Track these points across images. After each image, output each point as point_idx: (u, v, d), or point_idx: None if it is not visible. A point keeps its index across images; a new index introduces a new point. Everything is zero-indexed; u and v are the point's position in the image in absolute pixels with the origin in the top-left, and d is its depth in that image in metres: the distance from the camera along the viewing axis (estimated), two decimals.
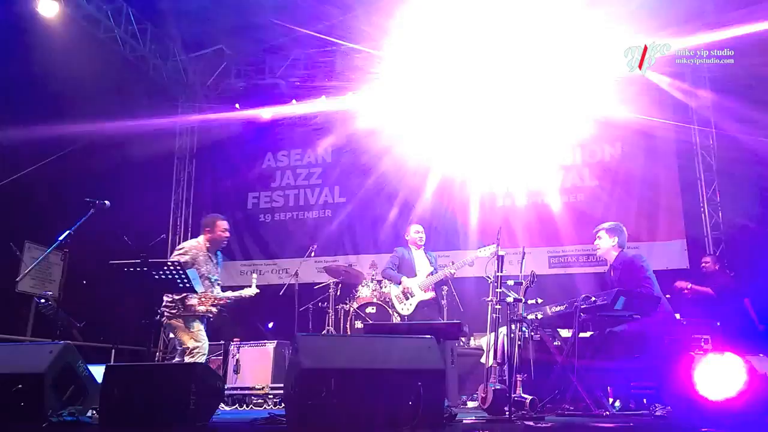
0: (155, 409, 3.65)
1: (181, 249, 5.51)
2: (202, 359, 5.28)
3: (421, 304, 6.72)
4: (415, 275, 6.88)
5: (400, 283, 6.85)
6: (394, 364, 3.71)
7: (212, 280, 5.56)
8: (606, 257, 5.68)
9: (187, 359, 5.25)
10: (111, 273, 4.72)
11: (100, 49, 8.86)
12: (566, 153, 9.95)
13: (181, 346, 5.36)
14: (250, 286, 5.73)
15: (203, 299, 5.39)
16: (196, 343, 5.31)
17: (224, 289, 6.34)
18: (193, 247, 5.52)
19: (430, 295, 6.79)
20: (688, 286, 7.55)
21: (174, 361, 5.42)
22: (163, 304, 5.41)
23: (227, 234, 5.68)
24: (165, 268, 4.69)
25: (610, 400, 5.08)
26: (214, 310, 5.48)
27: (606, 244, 5.58)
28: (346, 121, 10.87)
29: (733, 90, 8.52)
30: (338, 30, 9.52)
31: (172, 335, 5.49)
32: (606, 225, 5.69)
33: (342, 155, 10.94)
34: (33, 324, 8.17)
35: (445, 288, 7.61)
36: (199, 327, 5.40)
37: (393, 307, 7.09)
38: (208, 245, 5.58)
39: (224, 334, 8.05)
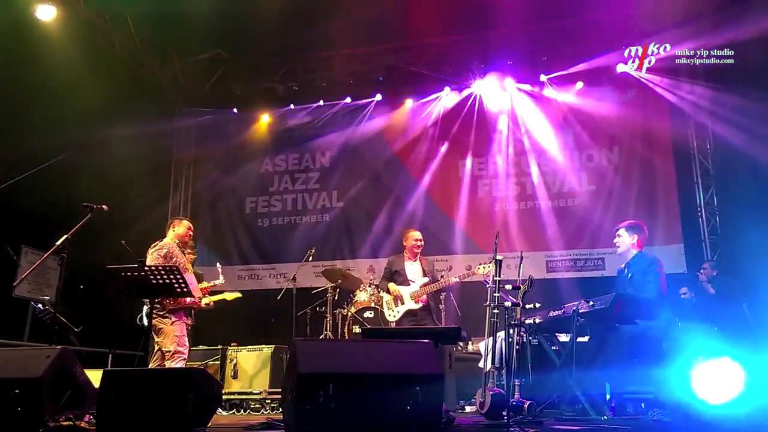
0: (152, 414, 3.63)
1: (154, 246, 5.69)
2: (180, 365, 5.31)
3: (408, 313, 6.64)
4: (409, 285, 6.78)
5: (388, 292, 6.78)
6: (392, 369, 3.70)
7: (190, 272, 5.75)
8: (624, 255, 5.62)
9: (167, 363, 5.28)
10: (108, 278, 4.72)
11: (97, 53, 8.85)
12: (564, 157, 9.97)
13: (161, 349, 5.41)
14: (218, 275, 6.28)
15: None
16: (178, 348, 5.38)
17: (219, 292, 6.49)
18: (167, 243, 5.75)
19: (421, 305, 6.70)
20: (702, 282, 7.68)
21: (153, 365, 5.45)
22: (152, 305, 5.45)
23: (191, 232, 6.10)
24: (163, 272, 4.70)
25: (608, 402, 5.07)
26: (198, 301, 5.68)
27: (626, 242, 5.54)
28: (344, 125, 10.90)
29: (730, 94, 8.55)
30: (336, 33, 9.54)
31: (156, 337, 5.52)
32: (626, 223, 5.69)
33: (340, 160, 10.94)
34: (30, 328, 8.14)
35: (444, 292, 7.57)
36: (183, 332, 5.48)
37: (382, 311, 7.00)
38: (176, 241, 5.87)
39: (222, 338, 8.05)
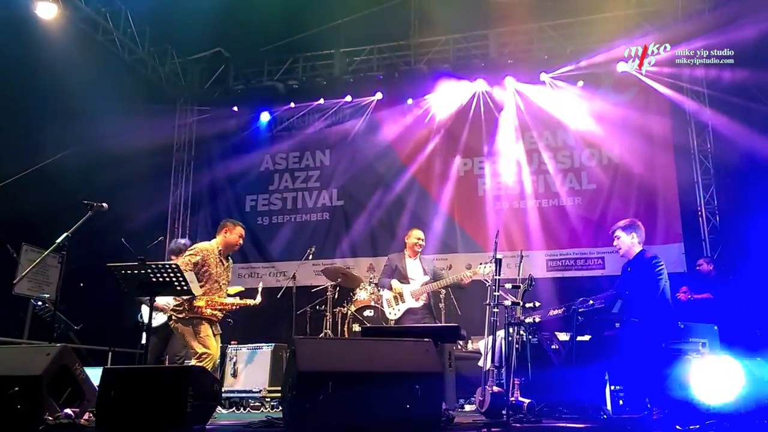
0: (152, 412, 3.64)
1: (192, 250, 5.51)
2: (210, 366, 5.24)
3: (408, 311, 6.62)
4: (408, 283, 6.76)
5: (390, 289, 6.75)
6: (392, 368, 3.71)
7: (220, 284, 5.55)
8: (628, 255, 5.58)
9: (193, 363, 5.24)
10: (108, 275, 4.72)
11: (98, 52, 8.86)
12: (564, 156, 9.97)
13: (190, 351, 5.36)
14: (255, 293, 5.68)
15: (210, 302, 5.39)
16: (204, 349, 5.28)
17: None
18: (204, 248, 5.52)
19: (421, 303, 6.69)
20: (690, 297, 7.54)
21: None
22: (171, 307, 5.41)
23: (242, 240, 5.75)
24: (163, 270, 4.69)
25: (608, 403, 5.07)
26: (219, 314, 5.49)
27: (626, 242, 5.53)
28: (344, 123, 10.90)
29: (730, 93, 8.55)
30: (337, 31, 9.55)
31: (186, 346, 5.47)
32: (621, 223, 5.67)
33: (340, 158, 10.94)
34: (30, 326, 8.15)
35: (444, 291, 7.55)
36: (207, 332, 5.36)
37: (382, 310, 6.97)
38: (220, 248, 5.61)
39: (222, 336, 8.03)
